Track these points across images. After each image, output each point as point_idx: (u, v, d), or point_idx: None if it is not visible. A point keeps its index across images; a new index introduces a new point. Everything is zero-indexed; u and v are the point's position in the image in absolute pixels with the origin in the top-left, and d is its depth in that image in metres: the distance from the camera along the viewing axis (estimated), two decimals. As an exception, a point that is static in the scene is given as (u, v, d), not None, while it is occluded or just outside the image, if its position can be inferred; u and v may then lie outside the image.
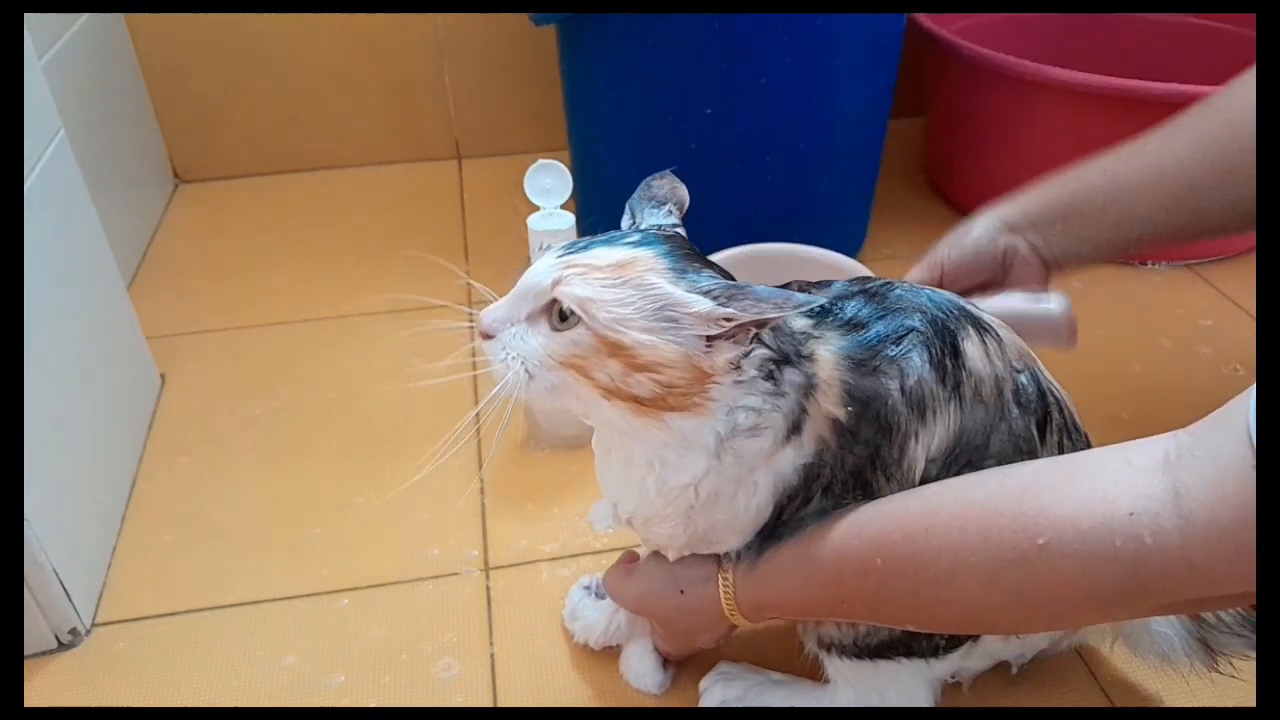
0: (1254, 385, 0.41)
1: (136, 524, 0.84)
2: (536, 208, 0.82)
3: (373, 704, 0.68)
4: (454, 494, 0.86)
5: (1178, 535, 0.42)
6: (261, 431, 0.94)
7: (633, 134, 1.02)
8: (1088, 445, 0.60)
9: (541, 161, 0.79)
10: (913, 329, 0.53)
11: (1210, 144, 0.67)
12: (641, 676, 0.68)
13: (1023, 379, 0.56)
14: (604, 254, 0.50)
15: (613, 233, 0.54)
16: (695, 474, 0.52)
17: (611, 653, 0.71)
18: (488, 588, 0.77)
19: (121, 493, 0.86)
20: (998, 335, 0.56)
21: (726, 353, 0.49)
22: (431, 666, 0.71)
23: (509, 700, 0.69)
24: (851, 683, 0.63)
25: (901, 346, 0.53)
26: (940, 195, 1.33)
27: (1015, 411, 0.55)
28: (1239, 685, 0.68)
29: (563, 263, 0.50)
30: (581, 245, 0.52)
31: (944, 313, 0.55)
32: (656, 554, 0.62)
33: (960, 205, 1.29)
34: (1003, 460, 0.55)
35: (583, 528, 0.82)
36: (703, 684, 0.67)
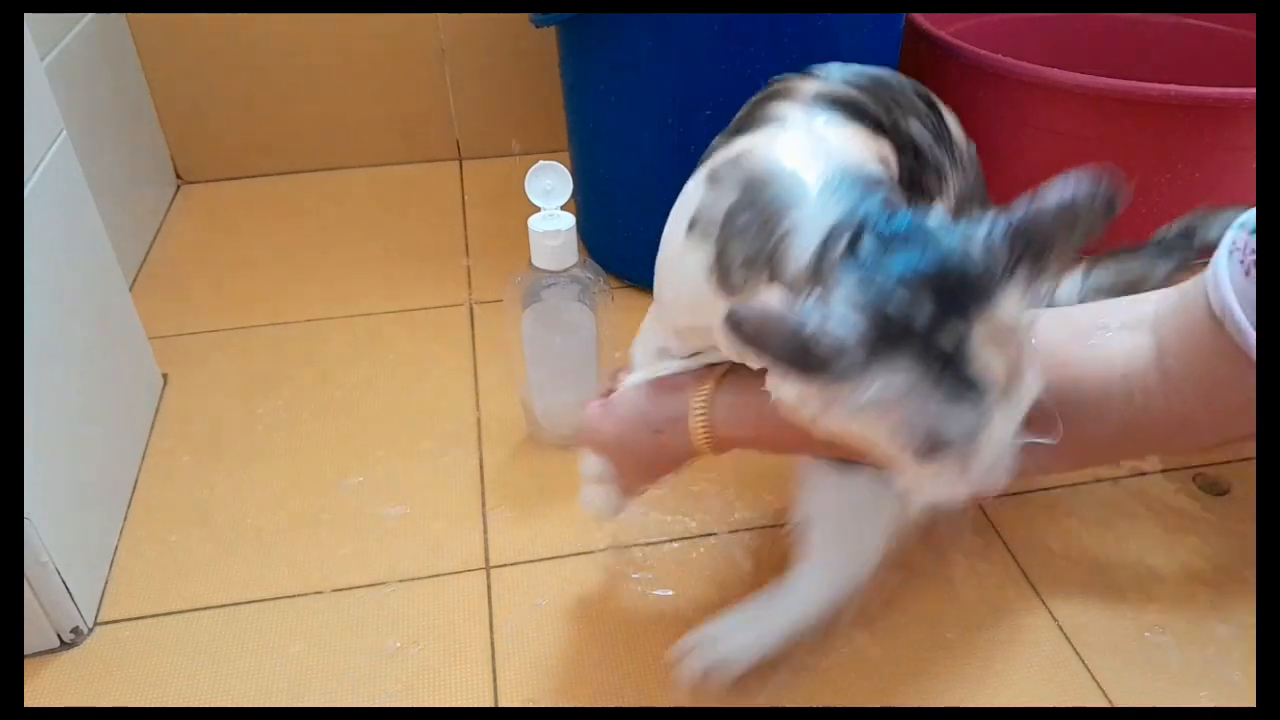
0: (1219, 251, 0.44)
1: (139, 523, 0.84)
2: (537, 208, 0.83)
3: (374, 703, 0.69)
4: (455, 493, 0.86)
5: (1160, 391, 0.46)
6: (263, 431, 0.94)
7: (633, 134, 1.02)
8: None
9: (542, 162, 0.79)
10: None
11: None
12: (602, 509, 0.70)
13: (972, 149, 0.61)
14: None
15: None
16: None
17: (611, 652, 0.71)
18: (488, 587, 0.77)
19: (124, 492, 0.87)
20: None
21: None
22: (432, 665, 0.71)
23: (509, 700, 0.69)
24: (820, 495, 0.64)
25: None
26: (940, 195, 1.33)
27: (974, 176, 0.60)
28: (1237, 683, 0.68)
29: None
30: None
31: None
32: (631, 388, 0.63)
33: (960, 205, 1.29)
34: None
35: (583, 526, 0.82)
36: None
